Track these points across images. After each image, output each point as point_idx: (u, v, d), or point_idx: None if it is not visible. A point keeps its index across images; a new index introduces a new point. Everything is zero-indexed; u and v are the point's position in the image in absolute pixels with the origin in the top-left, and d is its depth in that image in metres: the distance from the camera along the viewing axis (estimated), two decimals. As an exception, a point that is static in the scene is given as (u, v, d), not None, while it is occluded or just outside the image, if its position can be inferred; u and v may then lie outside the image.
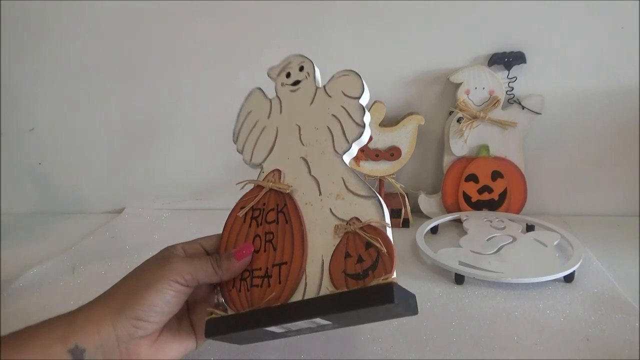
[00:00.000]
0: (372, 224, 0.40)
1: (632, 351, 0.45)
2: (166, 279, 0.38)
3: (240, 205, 0.47)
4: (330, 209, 0.43)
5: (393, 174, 0.77)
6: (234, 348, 0.47)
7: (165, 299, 0.38)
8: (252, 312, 0.41)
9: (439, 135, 0.80)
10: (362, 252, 0.39)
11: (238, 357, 0.46)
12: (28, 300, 0.57)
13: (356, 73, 0.47)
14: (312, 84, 0.48)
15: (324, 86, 0.48)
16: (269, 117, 0.50)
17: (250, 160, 0.49)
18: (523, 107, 0.74)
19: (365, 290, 0.37)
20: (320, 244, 0.42)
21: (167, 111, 0.82)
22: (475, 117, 0.74)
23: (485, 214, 0.75)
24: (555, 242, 0.64)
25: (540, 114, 0.74)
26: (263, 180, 0.47)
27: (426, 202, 0.79)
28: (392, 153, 0.75)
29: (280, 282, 0.41)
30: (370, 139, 0.73)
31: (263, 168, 0.48)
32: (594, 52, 0.73)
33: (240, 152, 0.50)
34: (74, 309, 0.38)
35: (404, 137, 0.74)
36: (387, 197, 0.79)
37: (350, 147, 0.45)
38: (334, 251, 0.40)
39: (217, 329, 0.41)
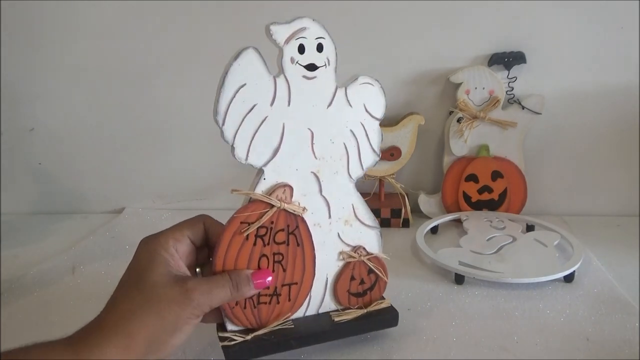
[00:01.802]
0: (375, 254, 0.46)
1: (632, 351, 0.45)
2: (191, 320, 0.36)
3: (240, 219, 0.40)
4: (339, 234, 0.44)
5: (393, 174, 0.77)
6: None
7: (187, 335, 0.37)
8: (276, 335, 0.42)
9: (439, 135, 0.80)
10: (364, 276, 0.46)
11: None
12: (28, 300, 0.57)
13: (381, 86, 0.43)
14: (332, 78, 0.42)
15: (346, 89, 0.42)
16: (272, 104, 0.40)
17: (247, 159, 0.40)
18: (523, 107, 0.74)
19: (378, 316, 0.46)
20: (326, 264, 0.45)
21: (167, 111, 0.82)
22: (475, 117, 0.74)
23: (485, 214, 0.75)
24: (555, 242, 0.64)
25: (540, 114, 0.74)
26: (271, 195, 0.41)
27: (426, 202, 0.79)
28: (392, 153, 0.75)
29: (290, 300, 0.43)
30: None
31: (264, 174, 0.41)
32: (594, 52, 0.73)
33: (231, 143, 0.39)
34: (83, 328, 0.34)
35: (404, 137, 0.74)
36: (387, 197, 0.79)
37: (363, 174, 0.44)
38: (340, 273, 0.45)
39: (243, 354, 0.41)
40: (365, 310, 0.46)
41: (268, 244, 0.42)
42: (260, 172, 0.41)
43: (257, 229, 0.41)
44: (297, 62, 0.40)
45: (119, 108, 0.82)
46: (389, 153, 0.75)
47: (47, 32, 0.79)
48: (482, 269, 0.57)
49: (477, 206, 0.77)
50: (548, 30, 0.73)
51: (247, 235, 0.41)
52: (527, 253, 0.62)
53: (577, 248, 0.62)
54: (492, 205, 0.77)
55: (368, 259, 0.45)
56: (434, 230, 0.74)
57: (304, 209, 0.42)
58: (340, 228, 0.44)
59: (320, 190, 0.43)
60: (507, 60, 0.73)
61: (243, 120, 0.39)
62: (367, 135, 0.44)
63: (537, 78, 0.74)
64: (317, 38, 0.40)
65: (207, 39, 0.77)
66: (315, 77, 0.41)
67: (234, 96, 0.39)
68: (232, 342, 0.41)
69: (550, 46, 0.73)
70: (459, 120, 0.75)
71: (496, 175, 0.76)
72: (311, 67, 0.41)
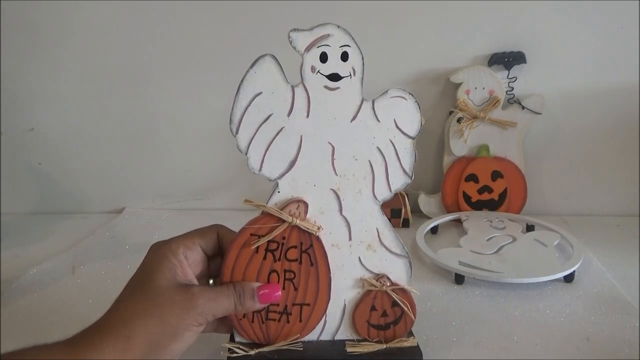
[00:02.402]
0: (402, 286, 0.42)
1: (632, 351, 0.45)
2: (193, 327, 0.36)
3: (250, 231, 0.40)
4: (360, 258, 0.41)
5: (393, 174, 0.76)
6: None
7: (188, 344, 0.36)
8: (281, 354, 0.41)
9: (439, 135, 0.80)
10: (387, 308, 0.42)
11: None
12: (28, 300, 0.57)
13: (416, 101, 0.39)
14: (358, 89, 0.39)
15: (373, 102, 0.40)
16: (289, 114, 0.39)
17: (260, 170, 0.39)
18: (523, 107, 0.74)
19: (399, 355, 0.41)
20: (344, 289, 0.42)
21: (167, 111, 0.82)
22: (475, 117, 0.74)
23: (485, 214, 0.75)
24: (555, 242, 0.64)
25: (540, 114, 0.74)
26: (284, 210, 0.40)
27: (426, 202, 0.79)
28: (392, 153, 0.75)
29: (301, 321, 0.41)
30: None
31: (279, 186, 0.40)
32: (594, 52, 0.73)
33: (244, 153, 0.39)
34: (84, 331, 0.34)
35: (404, 137, 0.74)
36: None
37: (391, 197, 0.41)
38: (359, 301, 0.42)
39: None
40: (385, 346, 0.42)
41: (279, 259, 0.40)
42: (275, 184, 0.40)
43: (268, 243, 0.40)
44: (318, 72, 0.38)
45: (119, 108, 0.82)
46: (389, 153, 0.75)
47: (47, 32, 0.79)
48: (482, 269, 0.57)
49: (477, 206, 0.77)
50: (548, 30, 0.73)
51: (257, 248, 0.40)
52: (527, 253, 0.62)
53: (577, 248, 0.62)
54: (492, 205, 0.77)
55: (392, 290, 0.41)
56: (434, 230, 0.74)
57: (319, 227, 0.40)
58: (361, 252, 0.41)
59: (341, 210, 0.41)
60: (507, 60, 0.73)
61: (258, 129, 0.38)
62: (397, 154, 0.40)
63: (537, 78, 0.74)
64: (341, 46, 0.38)
65: (208, 39, 0.77)
66: (338, 87, 0.39)
67: (249, 105, 0.38)
68: (235, 355, 0.41)
69: (550, 46, 0.73)
70: (459, 120, 0.75)
71: (496, 175, 0.76)
72: (334, 77, 0.39)
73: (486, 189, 0.76)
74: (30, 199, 0.89)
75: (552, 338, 0.47)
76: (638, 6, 0.70)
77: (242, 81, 0.38)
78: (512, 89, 0.74)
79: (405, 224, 0.76)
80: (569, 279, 0.57)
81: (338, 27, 0.38)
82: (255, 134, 0.39)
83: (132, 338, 0.33)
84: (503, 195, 0.76)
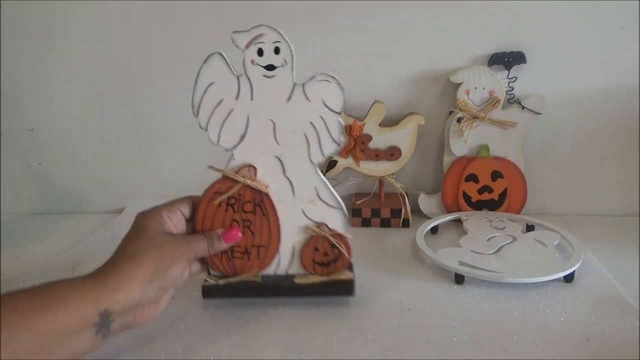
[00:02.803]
0: (339, 231, 0.52)
1: (632, 351, 0.45)
2: (184, 258, 0.46)
3: (213, 190, 0.51)
4: (303, 210, 0.52)
5: (393, 174, 0.77)
6: (233, 347, 0.47)
7: (181, 273, 0.47)
8: (247, 284, 0.52)
9: (439, 135, 0.80)
10: (327, 249, 0.52)
11: (238, 357, 0.46)
12: (28, 300, 0.57)
13: (338, 82, 0.48)
14: (290, 76, 0.49)
15: (303, 85, 0.49)
16: (237, 98, 0.49)
17: (218, 142, 0.51)
18: (523, 107, 0.74)
19: (336, 283, 0.52)
20: (293, 235, 0.52)
21: (167, 111, 0.82)
22: (475, 117, 0.74)
23: (485, 214, 0.75)
24: (555, 242, 0.64)
25: (540, 114, 0.74)
26: (238, 173, 0.51)
27: (426, 202, 0.79)
28: (392, 153, 0.75)
29: (259, 259, 0.53)
30: (370, 138, 0.74)
31: (234, 155, 0.51)
32: (594, 52, 0.73)
33: (204, 129, 0.50)
34: (105, 264, 0.43)
35: (404, 137, 0.74)
36: (387, 197, 0.79)
37: (324, 160, 0.51)
38: (305, 244, 0.52)
39: (214, 293, 0.53)
40: (326, 278, 0.53)
41: (238, 211, 0.51)
42: (231, 154, 0.51)
43: (228, 198, 0.51)
44: (256, 64, 0.48)
45: (119, 108, 0.82)
46: (389, 153, 0.75)
47: (47, 32, 0.79)
48: (482, 269, 0.57)
49: (477, 206, 0.77)
50: (548, 30, 0.73)
51: (220, 203, 0.51)
52: (527, 253, 0.62)
53: (577, 248, 0.62)
54: (492, 205, 0.77)
55: (331, 235, 0.52)
56: (434, 230, 0.74)
57: (266, 186, 0.51)
58: (304, 205, 0.52)
59: (284, 172, 0.51)
60: (507, 60, 0.73)
61: (213, 111, 0.49)
62: (326, 126, 0.50)
63: (537, 78, 0.74)
64: (274, 42, 0.48)
65: (207, 39, 0.77)
66: (274, 75, 0.48)
67: (205, 92, 0.49)
68: (208, 283, 0.52)
69: (550, 46, 0.73)
70: (459, 120, 0.75)
71: (496, 175, 0.76)
72: (270, 67, 0.48)
73: (486, 189, 0.76)
74: (30, 199, 0.89)
75: (552, 338, 0.47)
76: (638, 6, 0.70)
77: (197, 74, 0.49)
78: (512, 89, 0.74)
79: (405, 224, 0.76)
80: (569, 279, 0.57)
81: (270, 27, 0.47)
82: (211, 115, 0.49)
83: (141, 266, 0.42)
84: (503, 195, 0.76)
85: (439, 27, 0.74)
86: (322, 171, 0.67)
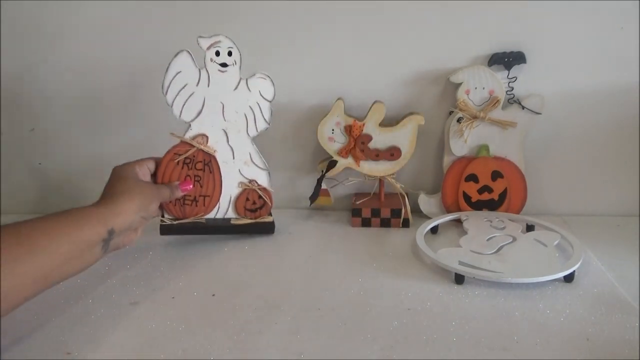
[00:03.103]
0: (264, 187, 0.71)
1: (632, 351, 0.45)
2: (157, 199, 0.62)
3: (173, 152, 0.67)
4: (239, 170, 0.70)
5: (393, 174, 0.77)
6: (234, 347, 0.47)
7: (156, 209, 0.64)
8: (194, 224, 0.70)
9: (439, 135, 0.80)
10: (255, 199, 0.71)
11: (237, 357, 0.46)
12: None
13: (271, 80, 0.67)
14: (238, 73, 0.66)
15: (247, 80, 0.67)
16: (197, 84, 0.66)
17: (180, 116, 0.67)
18: (523, 107, 0.74)
19: (261, 224, 0.72)
20: (230, 187, 0.70)
21: (167, 111, 0.82)
22: (475, 117, 0.74)
23: (485, 214, 0.75)
24: (555, 242, 0.64)
25: (540, 114, 0.74)
26: (194, 139, 0.67)
27: (426, 202, 0.79)
28: (392, 153, 0.75)
29: (204, 206, 0.70)
30: (370, 138, 0.74)
31: (191, 126, 0.67)
32: (594, 52, 0.73)
33: (170, 106, 0.66)
34: (102, 198, 0.56)
35: (404, 137, 0.74)
36: (387, 197, 0.79)
37: (257, 134, 0.69)
38: (239, 194, 0.71)
39: (169, 231, 0.70)
40: (254, 220, 0.71)
41: (191, 169, 0.68)
42: (189, 125, 0.67)
43: (184, 159, 0.67)
44: (214, 61, 0.66)
45: (120, 108, 0.82)
46: (389, 153, 0.75)
47: (47, 32, 0.79)
48: (482, 269, 0.57)
49: (477, 206, 0.77)
50: (548, 30, 0.73)
51: (178, 162, 0.67)
52: (527, 253, 0.62)
53: (577, 248, 0.62)
54: (492, 205, 0.77)
55: (258, 189, 0.70)
56: (434, 230, 0.74)
57: (215, 150, 0.68)
58: (241, 166, 0.70)
59: (228, 141, 0.69)
60: (507, 60, 0.73)
61: (178, 93, 0.66)
62: (261, 110, 0.68)
63: (537, 78, 0.74)
64: (228, 47, 0.65)
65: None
66: (226, 71, 0.66)
67: (173, 78, 0.65)
68: (164, 223, 0.70)
69: (550, 46, 0.73)
70: (459, 120, 0.75)
71: (496, 175, 0.76)
72: (223, 65, 0.66)
73: (486, 189, 0.76)
74: (30, 199, 0.89)
75: (552, 338, 0.47)
76: (638, 6, 0.70)
77: (168, 64, 0.65)
78: (512, 89, 0.74)
79: (405, 224, 0.76)
80: (569, 279, 0.57)
81: (226, 37, 0.64)
82: (177, 95, 0.66)
83: (132, 199, 0.56)
84: (503, 195, 0.76)
85: (439, 27, 0.74)
86: (323, 171, 0.76)
